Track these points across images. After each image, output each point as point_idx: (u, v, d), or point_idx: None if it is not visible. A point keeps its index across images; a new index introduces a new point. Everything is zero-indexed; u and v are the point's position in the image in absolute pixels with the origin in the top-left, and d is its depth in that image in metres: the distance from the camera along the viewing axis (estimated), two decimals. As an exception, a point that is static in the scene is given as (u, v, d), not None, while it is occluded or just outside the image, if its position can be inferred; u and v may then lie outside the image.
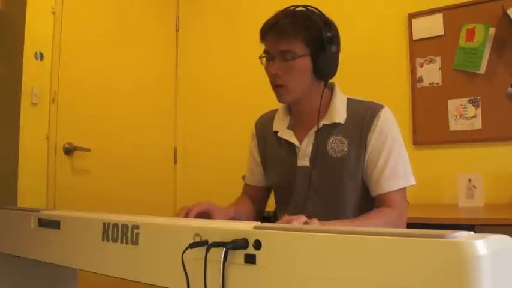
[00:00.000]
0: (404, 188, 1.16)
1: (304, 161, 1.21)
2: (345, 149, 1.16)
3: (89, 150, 2.35)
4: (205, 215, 1.12)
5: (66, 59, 2.30)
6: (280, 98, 1.19)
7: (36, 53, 2.17)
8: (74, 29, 2.35)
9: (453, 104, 2.19)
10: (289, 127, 1.27)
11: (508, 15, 1.99)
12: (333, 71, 1.20)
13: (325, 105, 1.21)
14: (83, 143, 2.34)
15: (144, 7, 2.85)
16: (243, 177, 1.45)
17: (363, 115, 1.17)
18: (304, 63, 1.14)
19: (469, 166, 2.08)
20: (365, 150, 1.15)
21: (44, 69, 2.21)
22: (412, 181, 1.16)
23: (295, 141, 1.22)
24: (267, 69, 1.19)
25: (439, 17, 2.25)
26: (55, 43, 2.26)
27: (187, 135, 3.01)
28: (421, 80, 2.28)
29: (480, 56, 2.12)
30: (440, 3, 2.24)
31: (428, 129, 2.24)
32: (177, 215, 1.10)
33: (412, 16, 2.32)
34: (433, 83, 2.25)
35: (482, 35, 2.12)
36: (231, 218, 1.20)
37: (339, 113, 1.18)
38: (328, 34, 1.15)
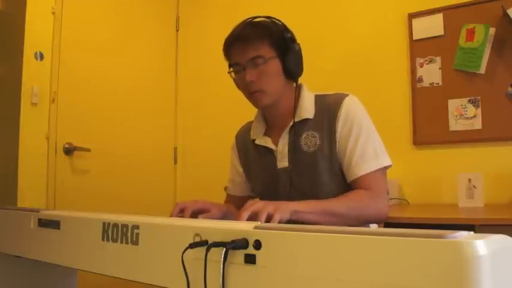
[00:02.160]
0: (379, 170, 1.14)
1: (283, 162, 1.22)
2: (318, 142, 1.18)
3: (89, 150, 2.35)
4: (200, 212, 1.15)
5: (66, 59, 2.30)
6: (258, 103, 1.20)
7: (36, 53, 2.17)
8: (74, 29, 2.35)
9: (453, 104, 2.19)
10: (265, 133, 1.29)
11: (508, 15, 1.99)
12: (301, 69, 1.23)
13: (295, 104, 1.23)
14: (83, 143, 2.34)
15: (144, 7, 2.85)
16: (225, 189, 1.46)
17: (329, 106, 1.19)
18: (275, 65, 1.18)
19: (469, 166, 2.08)
20: (335, 138, 1.17)
21: (44, 69, 2.21)
22: (385, 162, 1.15)
23: (271, 145, 1.25)
24: (238, 80, 1.22)
25: (439, 17, 2.25)
26: (55, 43, 2.26)
27: (187, 135, 3.02)
28: (421, 80, 2.28)
29: (480, 56, 2.12)
30: (440, 3, 2.24)
31: (428, 129, 2.24)
32: (172, 212, 1.11)
33: (412, 16, 2.32)
34: (433, 83, 2.25)
35: (482, 35, 2.12)
36: (224, 212, 1.22)
37: (307, 109, 1.21)
38: (289, 35, 1.20)
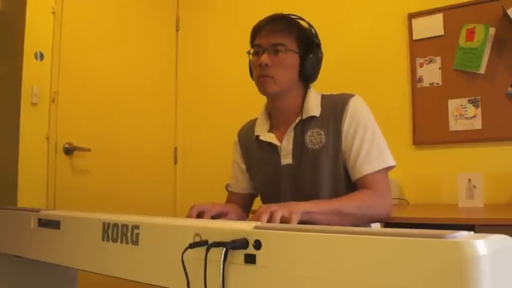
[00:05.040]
0: (383, 170, 1.15)
1: (287, 159, 1.22)
2: (323, 140, 1.18)
3: (89, 150, 2.35)
4: (218, 215, 1.15)
5: (66, 59, 2.30)
6: (264, 88, 1.20)
7: (36, 53, 2.17)
8: (74, 29, 2.35)
9: (453, 104, 2.19)
10: (269, 130, 1.29)
11: (508, 15, 1.99)
12: (316, 75, 1.26)
13: (301, 104, 1.24)
14: (83, 143, 2.34)
15: (144, 7, 2.85)
16: (226, 187, 1.44)
17: (336, 105, 1.20)
18: (294, 59, 1.20)
19: (469, 166, 2.08)
20: (340, 137, 1.18)
21: (44, 69, 2.21)
22: (390, 162, 1.16)
23: (276, 141, 1.25)
24: (255, 61, 1.22)
25: (439, 17, 2.25)
26: (55, 43, 2.26)
27: (187, 135, 3.01)
28: (421, 80, 2.28)
29: (480, 56, 2.12)
30: (440, 3, 2.25)
31: (428, 129, 2.24)
32: (189, 214, 1.10)
33: (412, 16, 2.32)
34: (433, 83, 2.25)
35: (482, 35, 2.12)
36: (239, 215, 1.24)
37: (313, 107, 1.22)
38: (317, 41, 1.25)
